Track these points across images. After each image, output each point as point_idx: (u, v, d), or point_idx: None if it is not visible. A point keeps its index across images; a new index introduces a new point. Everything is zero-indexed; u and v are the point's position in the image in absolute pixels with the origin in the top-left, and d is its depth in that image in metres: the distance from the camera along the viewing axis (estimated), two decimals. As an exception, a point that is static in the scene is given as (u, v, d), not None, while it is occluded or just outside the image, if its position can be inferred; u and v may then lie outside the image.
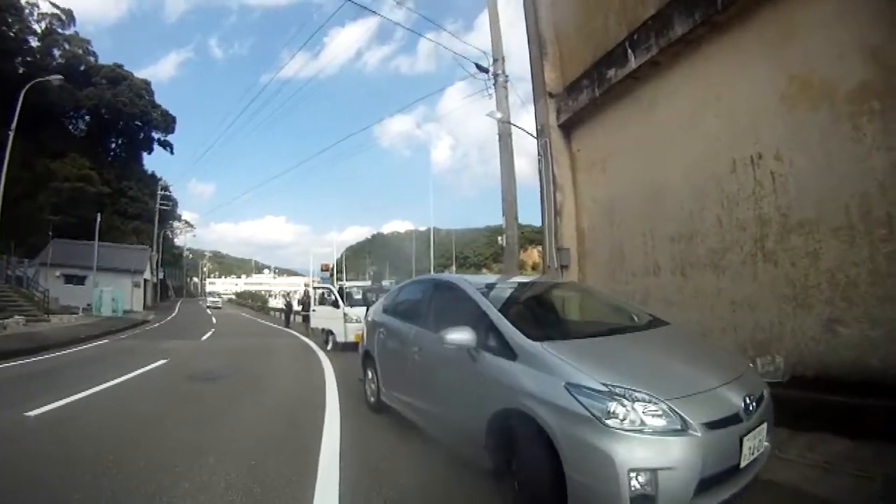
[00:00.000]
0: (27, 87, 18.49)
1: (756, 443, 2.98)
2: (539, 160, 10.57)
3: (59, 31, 52.18)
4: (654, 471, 2.58)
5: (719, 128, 6.80)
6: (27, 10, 48.45)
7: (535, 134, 11.02)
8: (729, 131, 6.65)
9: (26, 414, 6.07)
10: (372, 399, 6.13)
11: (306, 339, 17.26)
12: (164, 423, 5.86)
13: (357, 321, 12.61)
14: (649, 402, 2.77)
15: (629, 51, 8.13)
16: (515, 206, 12.61)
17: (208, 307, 50.36)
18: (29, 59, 48.68)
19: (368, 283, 11.92)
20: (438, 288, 5.14)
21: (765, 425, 3.09)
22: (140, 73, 61.83)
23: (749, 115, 6.36)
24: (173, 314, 37.05)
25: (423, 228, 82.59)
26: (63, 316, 23.08)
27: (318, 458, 4.44)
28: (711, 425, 2.75)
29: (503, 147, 12.17)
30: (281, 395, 7.47)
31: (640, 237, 8.43)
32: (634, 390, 2.81)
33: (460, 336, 3.75)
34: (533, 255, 65.86)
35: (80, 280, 32.40)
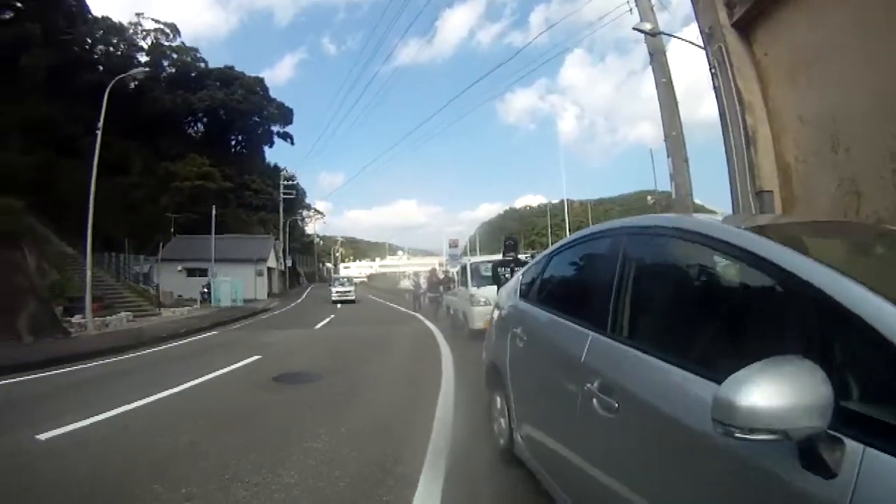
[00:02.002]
0: (110, 85, 18.09)
1: None
2: (712, 74, 7.61)
3: (165, 43, 54.89)
4: None
5: None
6: (131, 30, 51.46)
7: (700, 43, 8.02)
8: None
9: (37, 437, 4.83)
10: (502, 441, 3.64)
11: (431, 326, 15.21)
12: (179, 464, 4.00)
13: (486, 304, 10.35)
14: None
15: None
16: (683, 142, 9.92)
17: (334, 300, 31.72)
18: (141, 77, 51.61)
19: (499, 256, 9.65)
20: (657, 247, 2.28)
21: None
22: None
23: None
24: (299, 300, 36.94)
25: (555, 201, 79.84)
26: (176, 309, 23.24)
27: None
28: None
29: (657, 68, 9.49)
30: (371, 421, 5.23)
31: (885, 165, 5.32)
32: None
33: (789, 406, 1.09)
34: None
35: (203, 273, 33.14)
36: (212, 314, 22.32)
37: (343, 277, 38.99)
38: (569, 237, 3.26)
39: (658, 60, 9.73)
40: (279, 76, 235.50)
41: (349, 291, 32.93)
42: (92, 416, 5.51)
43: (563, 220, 50.20)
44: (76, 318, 16.89)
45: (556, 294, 3.21)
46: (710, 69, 7.64)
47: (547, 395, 2.77)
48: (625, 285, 2.21)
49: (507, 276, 7.61)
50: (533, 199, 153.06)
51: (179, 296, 30.13)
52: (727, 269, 1.84)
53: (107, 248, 31.43)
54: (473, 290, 11.30)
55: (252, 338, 14.13)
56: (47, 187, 30.75)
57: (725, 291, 1.90)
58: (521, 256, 10.27)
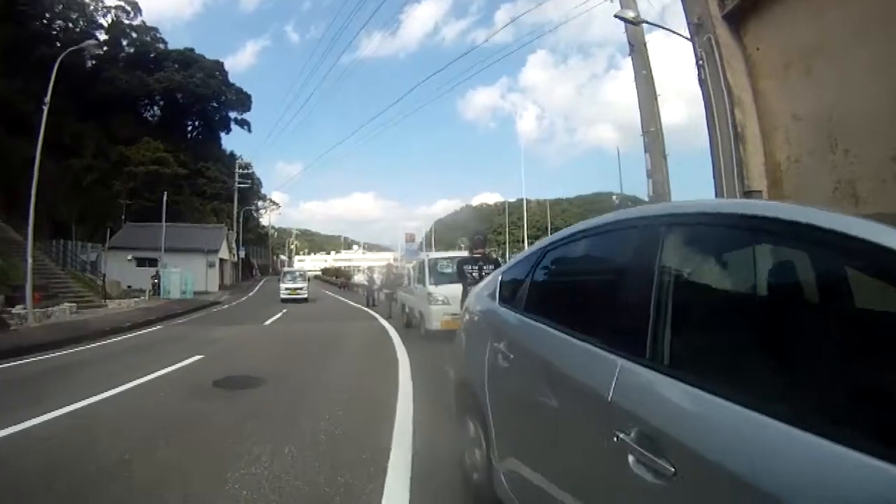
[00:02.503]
0: (60, 57, 16.71)
1: None
2: (699, 67, 7.25)
3: (126, 21, 52.42)
4: None
5: None
6: (91, 6, 48.93)
7: (686, 35, 7.60)
8: None
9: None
10: (475, 476, 2.94)
11: (386, 324, 14.56)
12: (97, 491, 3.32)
13: (444, 303, 9.93)
14: None
15: None
16: (662, 138, 9.64)
17: (283, 298, 26.07)
18: (97, 51, 49.14)
19: (464, 253, 8.90)
20: (723, 244, 1.63)
21: None
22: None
23: None
24: (251, 293, 35.68)
25: (512, 199, 79.93)
26: (123, 301, 21.91)
27: None
28: None
29: (638, 60, 9.20)
30: (321, 439, 4.56)
31: (887, 168, 4.95)
32: None
33: None
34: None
35: (153, 262, 31.50)
36: (159, 307, 21.09)
37: (295, 271, 32.75)
38: (573, 227, 2.50)
39: (639, 52, 9.44)
40: (240, 63, 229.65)
41: (301, 289, 26.95)
42: (10, 427, 4.84)
43: (519, 218, 50.38)
44: (16, 309, 15.64)
45: (557, 302, 2.52)
46: (697, 62, 7.26)
47: (549, 434, 2.09)
48: (667, 296, 1.58)
49: (474, 274, 6.98)
50: (490, 197, 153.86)
51: (129, 287, 28.59)
52: (845, 278, 1.24)
53: (56, 235, 29.67)
54: (431, 287, 10.67)
55: (197, 334, 13.24)
56: (-3, 168, 28.85)
57: (841, 310, 1.29)
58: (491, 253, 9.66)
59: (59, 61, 16.44)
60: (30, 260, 15.39)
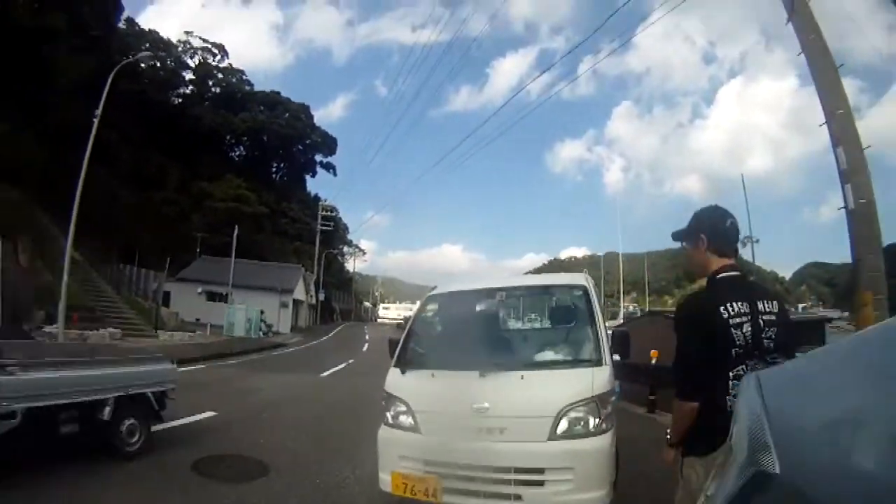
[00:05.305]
0: (114, 70, 17.51)
1: None
2: None
3: (212, 62, 54.19)
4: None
5: None
6: (180, 47, 51.09)
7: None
8: None
9: None
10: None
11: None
12: None
13: None
14: None
15: None
16: (854, 124, 6.69)
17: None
18: (182, 90, 51.77)
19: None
20: None
21: None
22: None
23: None
24: (323, 338, 33.31)
25: (600, 253, 79.76)
26: (176, 333, 20.24)
27: None
28: None
29: (800, 23, 6.82)
30: None
31: None
32: None
33: None
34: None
35: (224, 297, 30.40)
36: (215, 343, 19.17)
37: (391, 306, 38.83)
38: None
39: (800, 12, 6.86)
40: (327, 115, 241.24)
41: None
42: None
43: (608, 272, 47.76)
44: (49, 328, 14.25)
45: None
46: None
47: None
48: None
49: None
50: (577, 251, 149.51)
51: (197, 320, 27.55)
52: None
53: (126, 261, 29.32)
54: None
55: (231, 382, 10.80)
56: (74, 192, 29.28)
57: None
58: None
59: (115, 70, 16.88)
60: (66, 277, 13.84)
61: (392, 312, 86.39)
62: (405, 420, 3.81)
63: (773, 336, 2.22)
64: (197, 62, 52.93)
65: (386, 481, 3.70)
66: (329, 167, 64.83)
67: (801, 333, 10.18)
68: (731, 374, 2.13)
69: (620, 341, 4.22)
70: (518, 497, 3.37)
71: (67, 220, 22.28)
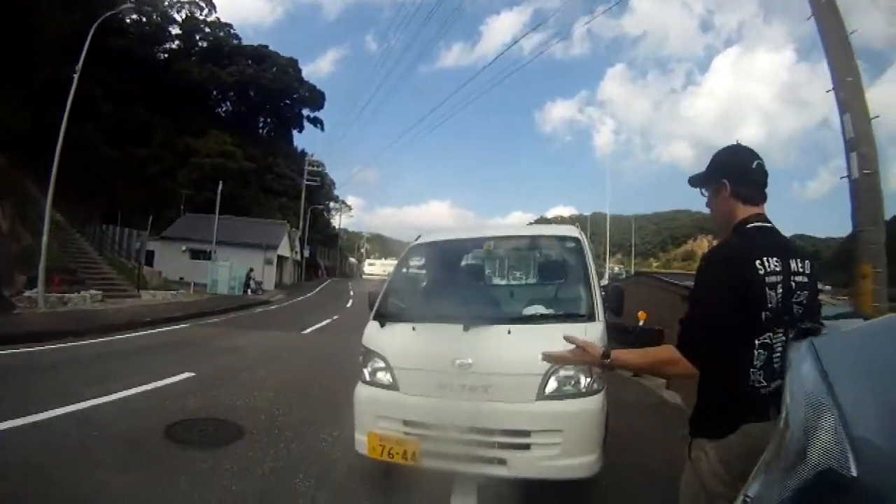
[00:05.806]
0: (96, 23, 17.04)
1: None
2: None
3: (199, 16, 52.73)
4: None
5: None
6: (166, 1, 49.86)
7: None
8: None
9: None
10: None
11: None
12: None
13: None
14: None
15: None
16: (863, 93, 6.39)
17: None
18: (169, 45, 50.56)
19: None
20: None
21: None
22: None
23: None
24: (308, 294, 33.59)
25: (586, 213, 79.29)
26: (160, 292, 20.08)
27: None
28: None
29: None
30: None
31: None
32: None
33: None
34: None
35: (208, 255, 30.00)
36: (198, 302, 19.20)
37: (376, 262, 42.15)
38: None
39: None
40: (316, 70, 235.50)
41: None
42: None
43: (595, 233, 47.46)
44: (29, 293, 13.90)
45: None
46: None
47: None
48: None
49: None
50: (564, 210, 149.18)
51: (181, 278, 27.50)
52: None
53: (108, 221, 28.66)
54: None
55: (213, 340, 10.91)
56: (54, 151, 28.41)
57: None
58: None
59: (94, 28, 16.95)
60: (45, 239, 13.60)
61: (378, 268, 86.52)
62: (383, 377, 3.58)
63: (804, 301, 1.89)
64: (184, 16, 51.54)
65: (362, 442, 3.49)
66: (316, 122, 63.88)
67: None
68: (756, 342, 1.84)
69: (614, 297, 3.97)
70: (502, 461, 3.16)
71: (49, 180, 21.71)
